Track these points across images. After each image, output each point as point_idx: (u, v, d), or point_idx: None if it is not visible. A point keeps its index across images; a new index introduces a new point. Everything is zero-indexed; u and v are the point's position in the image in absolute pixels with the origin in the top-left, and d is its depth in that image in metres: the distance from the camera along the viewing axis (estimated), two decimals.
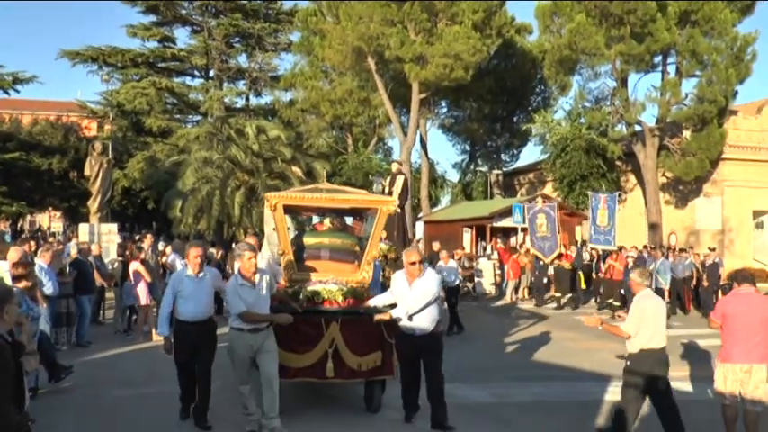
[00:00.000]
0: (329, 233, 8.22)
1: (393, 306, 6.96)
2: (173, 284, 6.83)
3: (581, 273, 19.52)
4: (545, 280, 19.42)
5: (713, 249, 19.12)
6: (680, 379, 9.75)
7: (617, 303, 16.59)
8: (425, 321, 6.73)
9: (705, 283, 17.44)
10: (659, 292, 13.74)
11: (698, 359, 11.29)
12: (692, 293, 18.10)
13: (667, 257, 18.34)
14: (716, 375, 6.45)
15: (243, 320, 6.25)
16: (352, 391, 7.87)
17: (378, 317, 6.96)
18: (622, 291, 16.31)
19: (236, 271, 6.61)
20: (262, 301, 6.43)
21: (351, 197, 8.12)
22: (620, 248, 18.36)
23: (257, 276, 6.45)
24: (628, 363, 6.46)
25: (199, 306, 6.72)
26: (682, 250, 19.79)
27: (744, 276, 6.56)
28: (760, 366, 6.13)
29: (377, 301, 7.30)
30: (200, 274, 6.77)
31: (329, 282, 7.45)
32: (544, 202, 20.30)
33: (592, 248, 19.77)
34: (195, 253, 6.80)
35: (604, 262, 18.25)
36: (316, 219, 9.51)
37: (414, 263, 6.72)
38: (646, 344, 6.22)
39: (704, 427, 6.96)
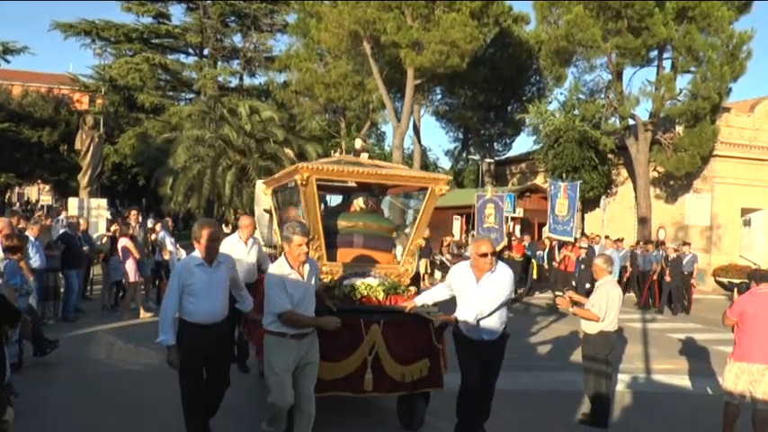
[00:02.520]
0: (362, 215, 6.76)
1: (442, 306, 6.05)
2: (179, 277, 5.20)
3: (534, 262, 19.39)
4: None
5: (687, 244, 18.92)
6: (675, 372, 9.86)
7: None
8: (494, 324, 5.72)
9: (668, 278, 17.24)
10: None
11: (693, 354, 11.37)
12: (658, 287, 18.02)
13: (658, 250, 18.56)
14: (726, 373, 6.38)
15: (284, 322, 4.98)
16: (383, 404, 6.81)
17: (440, 318, 5.85)
18: (573, 282, 16.23)
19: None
20: (309, 300, 5.18)
21: (398, 172, 6.79)
22: (577, 240, 18.25)
23: (306, 267, 5.16)
24: (586, 345, 6.98)
25: (214, 303, 5.25)
26: (659, 243, 19.86)
27: (762, 275, 6.43)
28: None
29: (425, 298, 6.10)
30: (215, 263, 5.27)
31: (368, 275, 6.30)
32: (494, 191, 20.09)
33: (546, 238, 19.71)
34: (209, 234, 5.20)
35: (560, 252, 18.03)
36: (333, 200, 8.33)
37: (485, 254, 5.61)
38: (606, 326, 6.76)
39: (701, 422, 7.05)
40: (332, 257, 6.35)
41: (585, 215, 29.52)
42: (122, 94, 40.91)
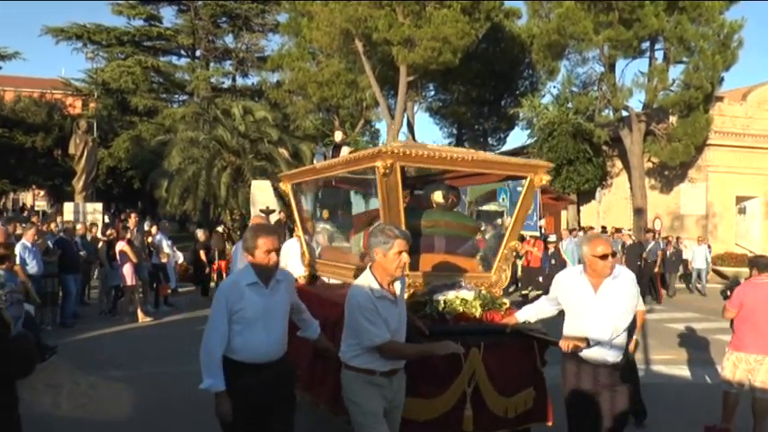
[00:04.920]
0: (442, 212, 5.48)
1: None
2: (225, 300, 3.85)
3: None
4: None
5: (650, 231, 18.73)
6: (674, 363, 9.91)
7: (538, 292, 15.28)
8: (621, 341, 4.62)
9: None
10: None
11: (692, 344, 11.41)
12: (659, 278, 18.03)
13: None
14: (725, 363, 6.39)
15: (383, 355, 3.85)
16: None
17: (569, 344, 4.45)
18: (540, 278, 16.08)
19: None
20: (403, 324, 4.08)
21: (494, 158, 5.57)
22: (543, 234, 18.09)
23: (397, 285, 4.05)
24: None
25: (272, 335, 3.93)
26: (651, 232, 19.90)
27: (765, 265, 6.34)
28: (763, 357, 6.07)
29: (527, 314, 4.98)
30: (272, 282, 3.96)
31: (458, 286, 5.05)
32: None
33: None
34: (267, 244, 3.87)
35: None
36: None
37: (604, 256, 4.48)
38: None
39: (701, 411, 7.08)
40: (413, 265, 4.85)
41: (581, 207, 29.58)
42: (115, 98, 40.82)
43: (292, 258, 6.74)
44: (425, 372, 4.43)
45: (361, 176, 5.87)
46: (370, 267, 3.95)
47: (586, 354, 4.51)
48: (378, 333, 3.79)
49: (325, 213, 6.73)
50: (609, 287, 4.52)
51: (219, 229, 19.82)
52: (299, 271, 6.48)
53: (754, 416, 6.16)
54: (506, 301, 5.26)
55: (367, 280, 3.92)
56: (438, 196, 5.49)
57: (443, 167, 5.31)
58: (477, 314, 4.90)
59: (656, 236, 19.83)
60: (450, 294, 4.93)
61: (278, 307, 4.00)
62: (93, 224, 16.27)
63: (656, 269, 18.09)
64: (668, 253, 19.00)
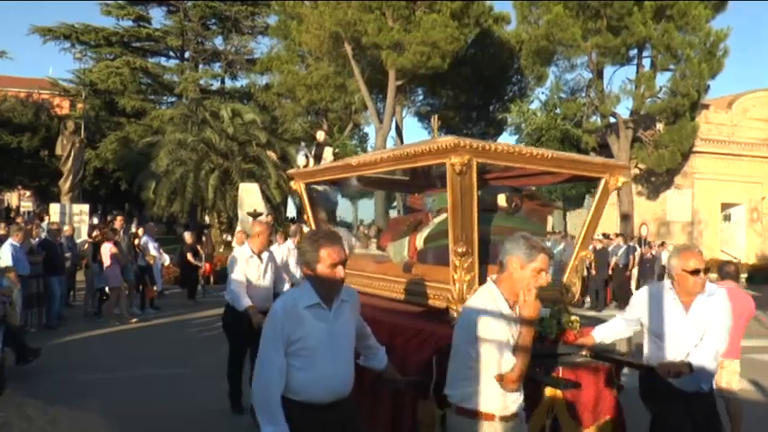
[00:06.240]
0: (506, 217, 4.92)
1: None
2: (281, 326, 3.09)
3: None
4: None
5: (607, 237, 18.72)
6: None
7: None
8: (714, 366, 4.07)
9: (593, 272, 16.90)
10: None
11: None
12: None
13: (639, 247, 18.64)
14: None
15: (507, 388, 3.07)
16: None
17: (671, 370, 3.84)
18: None
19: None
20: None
21: (571, 157, 4.97)
22: None
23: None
24: None
25: (337, 368, 3.20)
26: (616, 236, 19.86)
27: (726, 272, 6.42)
28: (731, 361, 6.10)
29: (604, 333, 4.37)
30: (336, 303, 3.23)
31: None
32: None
33: None
34: (333, 256, 3.15)
35: None
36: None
37: (696, 271, 3.93)
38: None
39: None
40: (482, 279, 4.15)
41: (568, 213, 29.70)
42: (103, 99, 40.64)
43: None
44: None
45: (387, 176, 5.43)
46: (493, 282, 3.19)
47: (679, 381, 3.92)
48: (503, 360, 3.06)
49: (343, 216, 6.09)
50: (702, 306, 4.00)
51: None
52: None
53: (729, 417, 6.23)
54: (577, 318, 4.47)
55: (491, 296, 3.14)
56: (502, 200, 4.99)
57: (521, 165, 4.62)
58: (553, 334, 4.18)
59: (628, 240, 19.69)
60: None
61: (344, 333, 3.27)
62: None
63: (627, 273, 18.08)
64: (644, 258, 18.63)
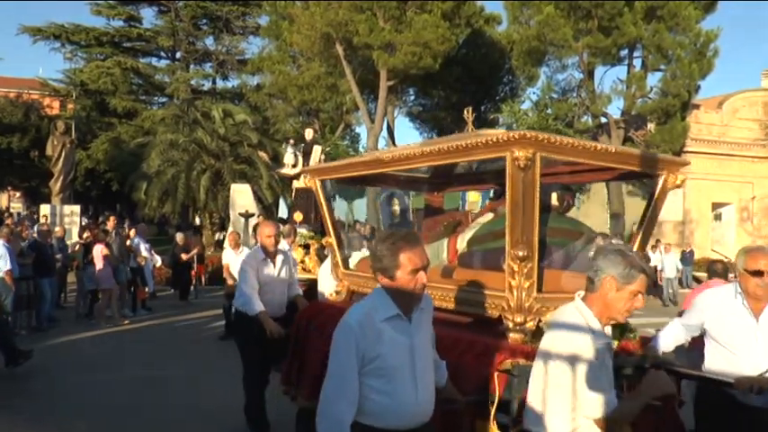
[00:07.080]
0: (557, 218, 4.37)
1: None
2: (355, 342, 2.65)
3: None
4: None
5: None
6: None
7: None
8: None
9: None
10: None
11: None
12: None
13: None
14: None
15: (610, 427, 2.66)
16: None
17: (753, 385, 3.42)
18: None
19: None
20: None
21: (632, 152, 4.33)
22: None
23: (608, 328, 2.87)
24: None
25: (420, 389, 2.77)
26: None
27: (714, 270, 6.48)
28: None
29: (665, 342, 4.05)
30: (416, 310, 2.83)
31: None
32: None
33: None
34: (415, 260, 2.74)
35: None
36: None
37: (758, 272, 3.59)
38: None
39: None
40: (539, 286, 3.76)
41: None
42: (94, 99, 40.49)
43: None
44: None
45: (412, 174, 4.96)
46: (582, 300, 2.76)
47: (746, 396, 3.52)
48: (612, 398, 2.63)
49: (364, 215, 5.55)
50: None
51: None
52: (329, 286, 5.78)
53: None
54: (635, 327, 3.88)
55: (582, 315, 2.70)
56: (554, 198, 4.45)
57: (584, 160, 4.10)
58: (615, 345, 3.48)
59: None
60: None
61: (425, 347, 2.87)
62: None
63: None
64: None
